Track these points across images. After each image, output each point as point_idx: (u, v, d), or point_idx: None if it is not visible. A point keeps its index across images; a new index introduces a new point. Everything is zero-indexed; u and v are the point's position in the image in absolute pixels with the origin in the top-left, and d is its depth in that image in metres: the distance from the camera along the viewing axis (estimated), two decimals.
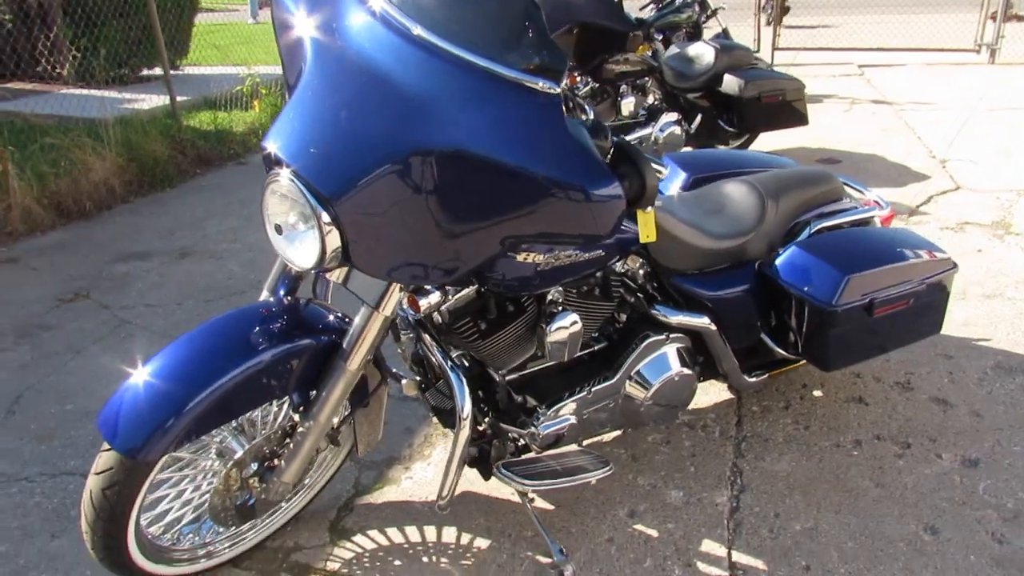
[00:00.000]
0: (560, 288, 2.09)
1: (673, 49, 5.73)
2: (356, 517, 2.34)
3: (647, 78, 5.22)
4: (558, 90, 1.60)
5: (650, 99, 5.43)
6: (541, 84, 1.60)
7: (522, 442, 2.23)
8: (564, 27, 4.62)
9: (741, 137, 5.62)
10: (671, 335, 2.31)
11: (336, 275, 1.83)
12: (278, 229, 1.68)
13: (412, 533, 2.26)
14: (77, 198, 5.18)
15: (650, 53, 5.15)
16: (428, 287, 1.84)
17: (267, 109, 7.34)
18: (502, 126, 1.58)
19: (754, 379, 2.55)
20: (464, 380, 1.91)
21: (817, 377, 2.94)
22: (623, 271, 2.34)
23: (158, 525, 1.99)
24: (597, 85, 5.05)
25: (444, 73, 1.60)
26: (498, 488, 2.39)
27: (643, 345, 2.27)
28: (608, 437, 2.62)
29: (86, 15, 7.47)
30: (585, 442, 2.56)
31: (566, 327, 2.08)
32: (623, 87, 5.13)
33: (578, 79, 4.93)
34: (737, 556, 2.14)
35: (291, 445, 1.96)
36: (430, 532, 2.26)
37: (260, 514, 2.07)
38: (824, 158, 5.77)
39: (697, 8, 7.75)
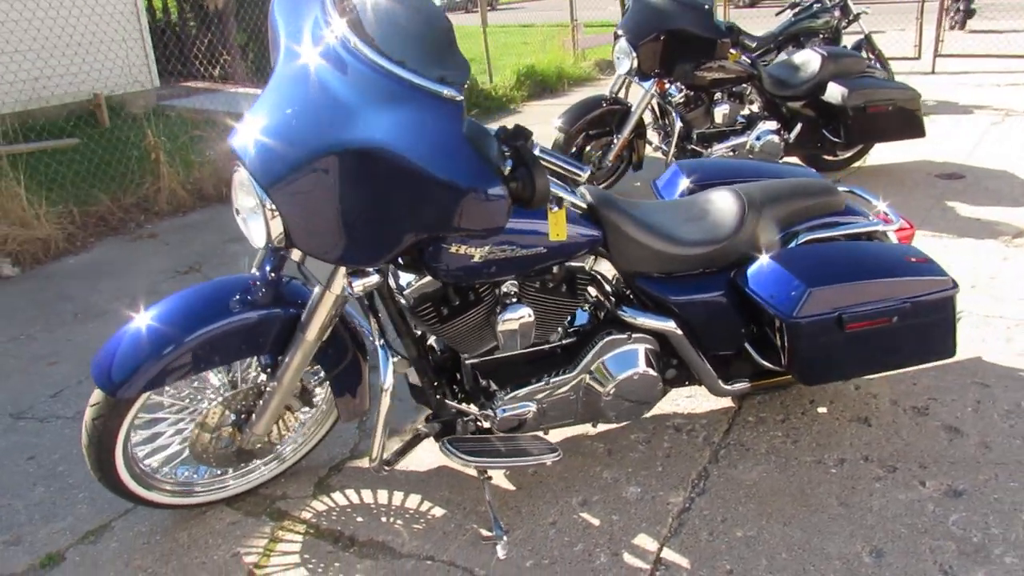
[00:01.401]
0: (515, 281, 2.24)
1: (783, 56, 5.60)
2: (341, 477, 2.60)
3: (745, 85, 5.13)
4: (460, 97, 1.77)
5: (754, 106, 5.32)
6: (446, 92, 1.77)
7: (487, 424, 2.40)
8: (652, 34, 4.67)
9: (849, 148, 5.38)
10: (634, 335, 2.39)
11: (296, 254, 2.10)
12: (239, 211, 1.98)
13: (382, 496, 2.49)
14: (216, 184, 5.84)
15: (747, 61, 5.06)
16: (367, 269, 2.06)
17: None
18: (407, 127, 1.77)
19: (732, 387, 2.55)
20: (390, 357, 2.12)
21: (828, 393, 2.87)
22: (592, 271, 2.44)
23: (156, 457, 2.34)
24: (691, 92, 5.04)
25: (367, 79, 1.82)
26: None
27: (603, 342, 2.36)
28: (592, 431, 2.71)
29: (254, 22, 8.35)
30: (565, 434, 2.69)
31: (516, 319, 2.23)
32: (717, 94, 5.08)
33: (667, 85, 4.94)
34: (667, 553, 2.19)
35: (261, 402, 2.26)
36: (397, 497, 2.48)
37: (239, 462, 2.38)
38: (946, 173, 5.40)
39: (837, 13, 7.44)
